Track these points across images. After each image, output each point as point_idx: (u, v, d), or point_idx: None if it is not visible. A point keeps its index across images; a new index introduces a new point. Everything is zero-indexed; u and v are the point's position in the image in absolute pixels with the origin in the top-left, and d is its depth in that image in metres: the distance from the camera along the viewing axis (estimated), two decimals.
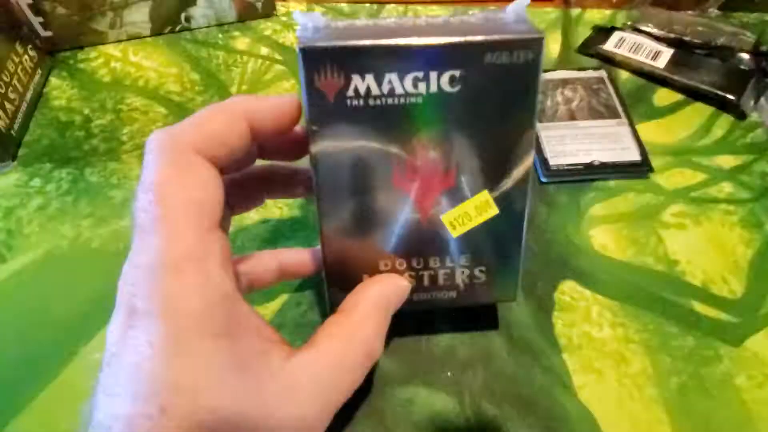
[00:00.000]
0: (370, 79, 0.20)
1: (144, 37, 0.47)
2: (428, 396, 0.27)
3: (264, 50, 0.46)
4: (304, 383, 0.18)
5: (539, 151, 0.37)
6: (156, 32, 0.47)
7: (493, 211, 0.23)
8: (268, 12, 0.49)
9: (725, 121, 0.40)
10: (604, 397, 0.27)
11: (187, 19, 0.47)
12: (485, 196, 0.22)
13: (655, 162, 0.37)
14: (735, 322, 0.30)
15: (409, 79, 0.20)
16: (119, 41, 0.47)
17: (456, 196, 0.23)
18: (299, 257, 0.26)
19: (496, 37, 0.19)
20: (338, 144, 0.21)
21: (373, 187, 0.22)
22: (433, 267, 0.24)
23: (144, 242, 0.17)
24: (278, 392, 0.18)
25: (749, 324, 0.30)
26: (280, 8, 0.50)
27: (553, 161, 0.37)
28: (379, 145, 0.21)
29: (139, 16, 0.46)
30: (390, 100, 0.20)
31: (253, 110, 0.20)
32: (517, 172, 0.22)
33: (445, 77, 0.20)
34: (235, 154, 0.20)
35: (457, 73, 0.20)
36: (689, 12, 0.48)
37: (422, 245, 0.24)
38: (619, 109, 0.40)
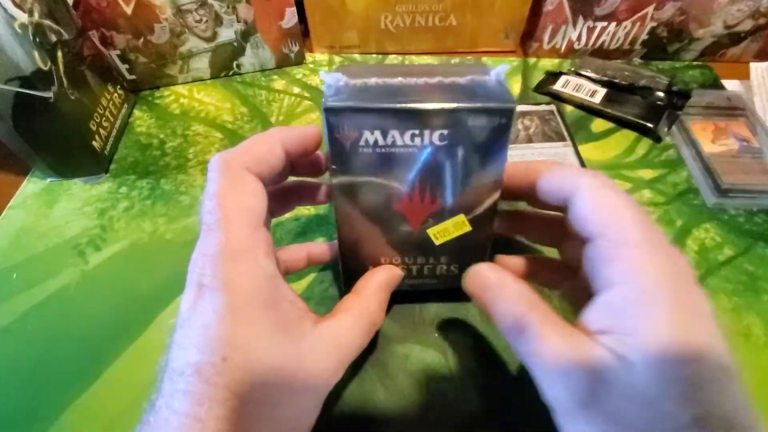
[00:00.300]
0: (377, 133, 0.20)
1: (205, 79, 0.47)
2: (420, 352, 0.27)
3: (296, 89, 0.46)
4: (327, 343, 0.19)
5: None
6: (214, 76, 0.47)
7: (467, 228, 0.23)
8: (299, 60, 0.49)
9: (645, 143, 0.40)
10: None
11: (238, 66, 0.47)
12: (462, 218, 0.23)
13: None
14: None
15: (407, 135, 0.20)
16: (186, 83, 0.47)
17: (439, 218, 0.23)
18: (321, 249, 0.27)
19: (478, 105, 0.19)
20: (352, 178, 0.22)
21: (376, 208, 0.23)
22: (420, 263, 0.25)
23: (209, 237, 0.18)
24: (309, 349, 0.18)
25: None
26: (308, 57, 0.50)
27: None
28: (384, 180, 0.22)
29: (201, 64, 0.46)
30: (393, 149, 0.20)
31: (286, 138, 0.21)
32: (487, 203, 0.22)
33: (436, 134, 0.20)
34: (275, 170, 0.21)
35: (445, 132, 0.20)
36: (618, 60, 0.48)
37: (413, 248, 0.24)
38: (566, 134, 0.40)
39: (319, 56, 0.50)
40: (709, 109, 0.42)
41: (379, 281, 0.23)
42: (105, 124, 0.39)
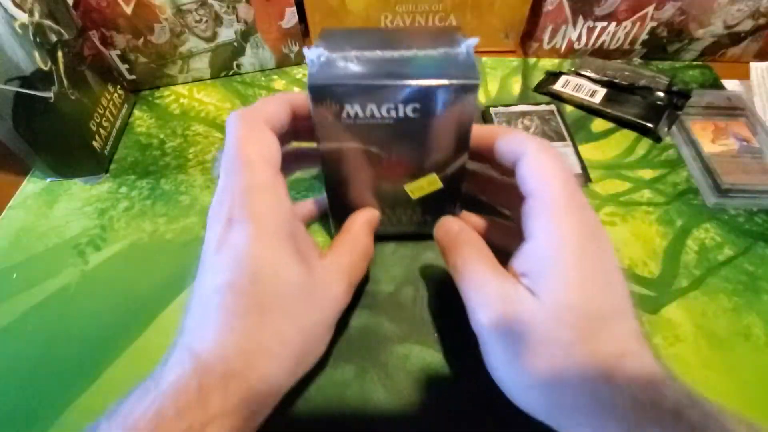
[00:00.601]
0: (357, 107, 0.22)
1: (205, 79, 0.47)
2: (420, 352, 0.27)
3: (296, 89, 0.46)
4: (334, 271, 0.22)
5: None
6: (214, 76, 0.47)
7: (439, 185, 0.26)
8: (299, 60, 0.49)
9: (646, 143, 0.40)
10: None
11: (238, 66, 0.47)
12: (434, 177, 0.26)
13: (593, 174, 0.37)
14: (653, 295, 0.30)
15: (384, 108, 0.22)
16: (186, 83, 0.47)
17: (415, 176, 0.26)
18: (309, 208, 0.30)
19: (445, 82, 0.21)
20: (336, 145, 0.24)
21: (359, 170, 0.26)
22: (399, 213, 0.29)
23: (233, 177, 0.19)
24: (321, 277, 0.21)
25: (664, 297, 0.30)
26: None
27: None
28: (364, 147, 0.24)
29: (201, 64, 0.46)
30: (371, 120, 0.23)
31: (293, 100, 0.23)
32: (457, 164, 0.25)
33: (409, 107, 0.22)
34: (283, 129, 0.23)
35: (417, 105, 0.22)
36: (618, 60, 0.48)
37: (393, 202, 0.28)
38: (566, 134, 0.40)
39: None
40: (709, 109, 0.42)
41: (363, 219, 0.26)
42: (105, 124, 0.39)
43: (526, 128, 0.40)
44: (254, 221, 0.18)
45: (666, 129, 0.40)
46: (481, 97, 0.45)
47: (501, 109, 0.42)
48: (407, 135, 0.24)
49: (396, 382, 0.26)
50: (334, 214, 0.29)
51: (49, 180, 0.38)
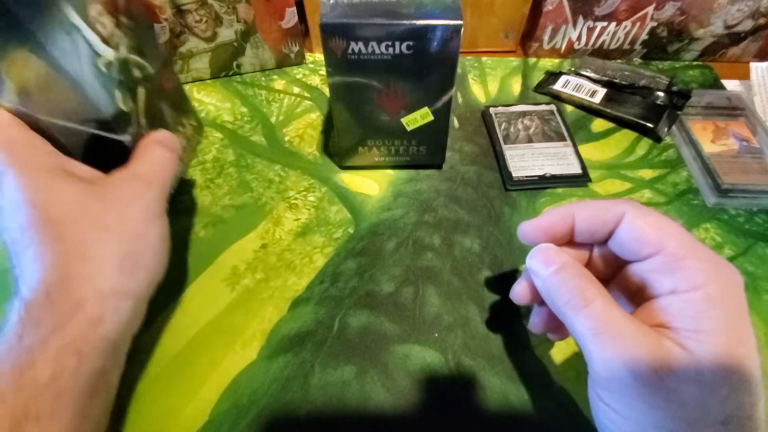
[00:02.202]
0: (361, 44, 0.27)
1: (205, 79, 0.47)
2: (420, 352, 0.27)
3: (296, 89, 0.46)
4: (125, 179, 0.24)
5: (505, 166, 0.37)
6: (214, 76, 0.47)
7: (430, 118, 0.32)
8: (299, 61, 0.49)
9: (645, 143, 0.40)
10: (554, 352, 0.27)
11: (238, 66, 0.47)
12: (426, 110, 0.31)
13: (593, 174, 0.37)
14: None
15: (383, 45, 0.27)
16: (186, 83, 0.47)
17: (409, 109, 0.31)
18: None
19: (432, 22, 0.26)
20: (343, 79, 0.29)
21: (361, 101, 0.31)
22: (396, 144, 0.34)
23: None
24: (111, 183, 0.23)
25: None
26: (308, 57, 0.50)
27: (515, 174, 0.37)
28: (367, 80, 0.29)
29: (201, 64, 0.46)
30: (372, 56, 0.27)
31: None
32: (445, 98, 0.31)
33: (404, 45, 0.27)
34: None
35: (411, 42, 0.27)
36: (618, 60, 0.48)
37: (391, 133, 0.33)
38: (566, 134, 0.40)
39: (319, 56, 0.50)
40: (709, 109, 0.42)
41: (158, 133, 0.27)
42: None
43: (526, 128, 0.40)
44: (17, 168, 0.20)
45: (666, 129, 0.40)
46: (481, 97, 0.45)
47: (501, 109, 0.42)
48: (402, 70, 0.28)
49: (396, 382, 0.26)
50: (340, 142, 0.34)
51: None
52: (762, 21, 0.45)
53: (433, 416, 0.25)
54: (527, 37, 0.49)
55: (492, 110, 0.42)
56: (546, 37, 0.47)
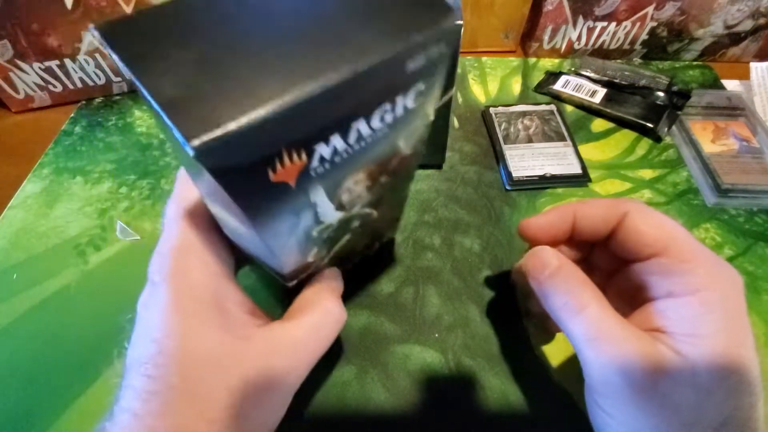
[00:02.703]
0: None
1: None
2: (421, 352, 0.27)
3: None
4: (278, 345, 0.18)
5: (505, 166, 0.37)
6: None
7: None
8: None
9: (645, 143, 0.40)
10: (554, 352, 0.27)
11: None
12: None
13: (593, 174, 0.37)
14: None
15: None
16: None
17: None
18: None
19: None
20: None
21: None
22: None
23: (162, 236, 0.19)
24: (255, 352, 0.18)
25: None
26: None
27: (516, 173, 0.37)
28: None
29: None
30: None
31: None
32: (445, 98, 0.29)
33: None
34: None
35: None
36: (618, 60, 0.48)
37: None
38: (566, 134, 0.40)
39: None
40: (709, 109, 0.42)
41: (330, 277, 0.23)
42: None
43: (526, 128, 0.40)
44: (170, 284, 0.17)
45: (666, 129, 0.40)
46: (481, 97, 0.45)
47: (501, 109, 0.42)
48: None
49: (396, 382, 0.26)
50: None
51: (48, 180, 0.38)
52: (762, 21, 0.45)
53: (433, 416, 0.25)
54: (527, 37, 0.49)
55: (492, 110, 0.42)
56: (546, 37, 0.47)
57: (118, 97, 0.45)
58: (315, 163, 0.13)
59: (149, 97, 0.11)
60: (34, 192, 0.37)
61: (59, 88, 0.43)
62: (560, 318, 0.19)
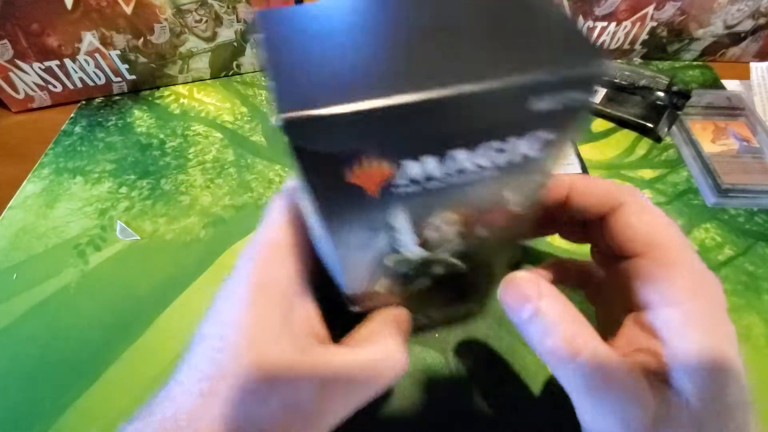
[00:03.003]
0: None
1: (205, 79, 0.47)
2: (420, 352, 0.27)
3: None
4: (332, 372, 0.17)
5: None
6: (214, 76, 0.47)
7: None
8: None
9: (646, 143, 0.40)
10: None
11: (238, 66, 0.47)
12: None
13: (593, 174, 0.37)
14: None
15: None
16: (186, 83, 0.47)
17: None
18: None
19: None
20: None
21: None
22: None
23: (260, 228, 0.18)
24: (304, 374, 0.16)
25: None
26: None
27: None
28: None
29: (201, 64, 0.46)
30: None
31: None
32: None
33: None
34: None
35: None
36: (618, 60, 0.48)
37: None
38: None
39: None
40: (709, 109, 0.42)
41: (399, 313, 0.20)
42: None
43: None
44: (249, 281, 0.17)
45: (666, 129, 0.40)
46: None
47: None
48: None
49: (396, 383, 0.26)
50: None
51: (48, 180, 0.38)
52: (762, 21, 0.45)
53: (433, 416, 0.25)
54: None
55: None
56: None
57: (118, 97, 0.45)
58: (401, 179, 0.13)
59: (270, 73, 0.12)
60: (34, 192, 0.37)
61: (59, 88, 0.43)
62: (549, 362, 0.17)
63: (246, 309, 0.16)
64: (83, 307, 0.30)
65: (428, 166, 0.12)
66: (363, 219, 0.14)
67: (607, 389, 0.16)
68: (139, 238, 0.33)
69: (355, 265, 0.16)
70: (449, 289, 0.21)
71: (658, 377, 0.16)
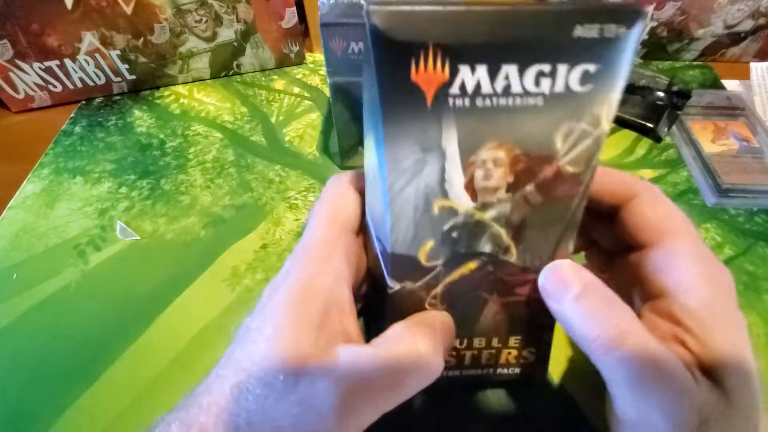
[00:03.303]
0: (361, 44, 0.26)
1: (205, 79, 0.47)
2: None
3: (296, 89, 0.46)
4: (349, 369, 0.16)
5: None
6: (214, 76, 0.47)
7: None
8: (299, 61, 0.49)
9: (645, 143, 0.40)
10: (555, 352, 0.27)
11: (238, 66, 0.47)
12: None
13: None
14: None
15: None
16: (186, 83, 0.47)
17: None
18: None
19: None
20: (344, 78, 0.30)
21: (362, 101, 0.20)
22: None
23: (305, 231, 0.19)
24: (323, 371, 0.16)
25: None
26: (308, 57, 0.50)
27: None
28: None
29: (201, 64, 0.46)
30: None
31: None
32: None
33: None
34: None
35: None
36: None
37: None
38: None
39: (319, 56, 0.50)
40: (709, 109, 0.42)
41: (439, 317, 0.19)
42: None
43: None
44: (293, 284, 0.17)
45: (666, 129, 0.40)
46: None
47: None
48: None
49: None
50: (342, 143, 0.30)
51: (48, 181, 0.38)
52: (762, 21, 0.45)
53: (433, 416, 0.25)
54: None
55: None
56: None
57: (118, 97, 0.45)
58: (455, 88, 0.14)
59: None
60: (34, 192, 0.37)
61: (59, 88, 0.43)
62: (592, 352, 0.16)
63: (285, 308, 0.17)
64: (83, 306, 0.30)
65: (480, 76, 0.14)
66: (417, 131, 0.15)
67: (654, 382, 0.15)
68: (139, 238, 0.33)
69: (404, 205, 0.16)
70: (489, 293, 0.19)
71: (701, 370, 0.16)
